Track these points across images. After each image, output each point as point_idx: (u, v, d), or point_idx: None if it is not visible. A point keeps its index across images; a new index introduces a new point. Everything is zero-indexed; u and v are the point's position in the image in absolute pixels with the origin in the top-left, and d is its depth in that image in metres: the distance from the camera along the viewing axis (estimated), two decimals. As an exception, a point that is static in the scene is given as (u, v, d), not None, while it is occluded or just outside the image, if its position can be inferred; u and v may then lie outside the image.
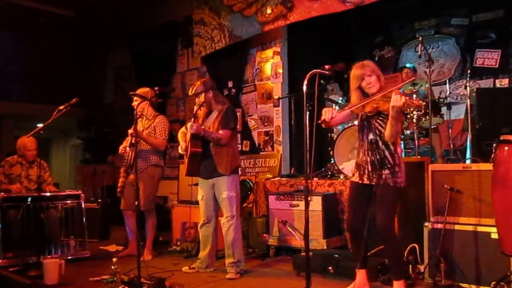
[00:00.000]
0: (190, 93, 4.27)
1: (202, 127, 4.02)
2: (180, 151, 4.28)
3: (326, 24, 5.92)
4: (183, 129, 4.34)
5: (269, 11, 6.18)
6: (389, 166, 3.12)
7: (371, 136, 3.17)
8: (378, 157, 3.14)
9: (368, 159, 3.16)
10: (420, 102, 3.26)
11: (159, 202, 6.47)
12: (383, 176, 3.11)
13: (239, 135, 6.74)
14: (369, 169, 3.16)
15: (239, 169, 4.70)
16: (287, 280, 3.93)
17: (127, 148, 4.79)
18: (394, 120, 2.98)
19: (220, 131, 4.04)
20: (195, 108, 4.16)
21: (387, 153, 3.13)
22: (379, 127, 3.17)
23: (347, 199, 4.67)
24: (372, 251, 3.93)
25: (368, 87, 3.18)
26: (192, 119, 4.02)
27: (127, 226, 5.05)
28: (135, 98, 4.78)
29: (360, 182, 3.22)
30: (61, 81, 8.60)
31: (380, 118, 3.17)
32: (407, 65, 5.95)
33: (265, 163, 6.36)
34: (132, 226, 4.93)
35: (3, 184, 5.01)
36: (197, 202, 4.34)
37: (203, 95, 4.13)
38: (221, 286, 3.83)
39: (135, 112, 4.42)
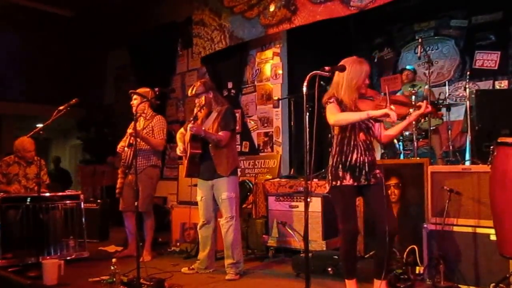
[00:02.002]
0: (189, 94, 4.26)
1: (202, 128, 4.03)
2: (178, 152, 4.27)
3: (326, 25, 5.93)
4: (181, 130, 4.34)
5: (272, 9, 6.18)
6: (377, 166, 3.13)
7: (363, 137, 3.10)
8: (372, 158, 3.12)
9: (366, 160, 3.08)
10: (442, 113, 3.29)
11: (157, 203, 6.47)
12: (378, 175, 3.09)
13: (238, 136, 6.76)
14: (366, 169, 3.07)
15: (238, 170, 4.71)
16: (286, 281, 3.94)
17: (125, 148, 4.80)
18: (409, 125, 3.17)
19: (220, 133, 4.05)
20: (195, 110, 4.14)
21: (375, 153, 3.16)
22: (372, 128, 3.15)
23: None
24: (370, 254, 3.94)
25: (364, 86, 3.10)
26: (192, 120, 4.02)
27: (127, 227, 5.04)
28: (134, 96, 4.79)
29: (355, 184, 3.07)
30: (61, 82, 8.59)
31: (372, 119, 3.11)
32: (408, 67, 5.95)
33: (265, 164, 6.37)
34: (131, 227, 4.94)
35: (1, 184, 5.02)
36: (196, 203, 4.34)
37: (203, 97, 4.12)
38: (220, 287, 3.84)
39: (134, 111, 4.42)
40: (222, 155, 4.07)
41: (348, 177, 3.06)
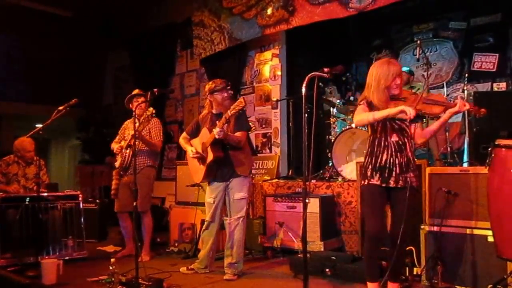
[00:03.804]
0: (211, 88, 4.18)
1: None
2: (191, 155, 4.21)
3: (325, 26, 5.94)
4: (184, 135, 4.37)
5: (269, 11, 6.19)
6: (412, 169, 3.08)
7: (396, 138, 3.07)
8: (405, 159, 3.06)
9: (397, 161, 3.04)
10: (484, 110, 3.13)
11: (156, 203, 6.48)
12: (408, 179, 3.04)
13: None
14: (397, 171, 3.04)
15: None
16: (284, 282, 3.95)
17: (123, 150, 4.81)
18: (444, 124, 3.12)
19: (237, 133, 4.05)
20: (230, 112, 3.84)
21: (410, 155, 3.09)
22: (406, 129, 3.10)
23: (344, 202, 4.71)
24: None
25: (395, 87, 3.06)
26: (225, 124, 3.87)
27: (122, 228, 5.08)
28: (134, 99, 4.87)
29: (382, 185, 3.05)
30: (61, 82, 8.60)
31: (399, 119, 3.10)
32: (403, 69, 5.96)
33: (263, 165, 6.37)
34: (128, 227, 4.98)
35: (0, 184, 5.03)
36: (194, 204, 4.35)
37: (242, 98, 3.89)
38: (218, 287, 3.84)
39: (136, 111, 4.43)
40: (240, 156, 4.09)
41: (376, 177, 3.07)
